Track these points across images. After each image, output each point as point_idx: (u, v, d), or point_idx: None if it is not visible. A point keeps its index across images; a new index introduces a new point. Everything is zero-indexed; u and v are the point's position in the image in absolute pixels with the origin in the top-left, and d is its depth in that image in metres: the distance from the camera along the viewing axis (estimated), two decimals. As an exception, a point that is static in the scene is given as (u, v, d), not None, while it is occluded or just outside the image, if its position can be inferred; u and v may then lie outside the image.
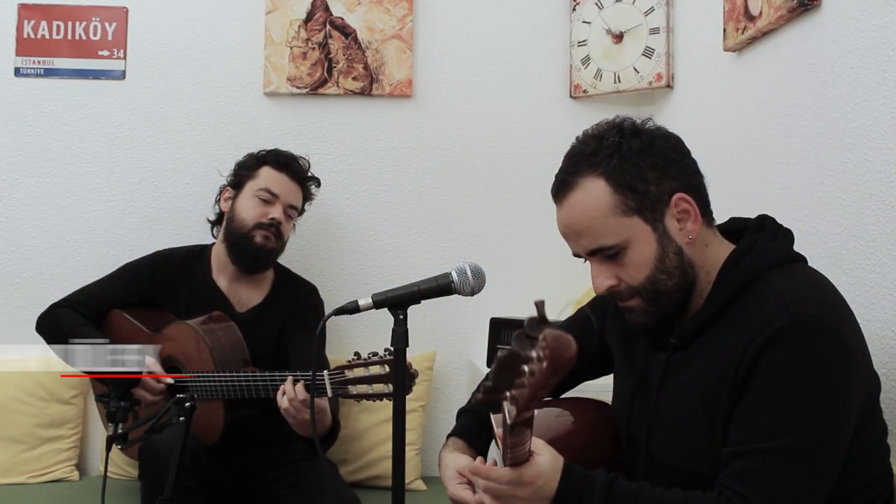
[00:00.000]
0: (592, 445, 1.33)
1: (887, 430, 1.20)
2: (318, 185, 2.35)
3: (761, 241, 1.18)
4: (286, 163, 2.22)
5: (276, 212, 2.17)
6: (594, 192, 1.16)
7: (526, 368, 0.82)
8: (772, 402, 1.05)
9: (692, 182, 1.20)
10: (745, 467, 1.05)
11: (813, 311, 1.06)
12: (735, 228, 1.27)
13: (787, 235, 1.23)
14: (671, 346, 1.21)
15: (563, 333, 0.77)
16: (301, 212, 2.32)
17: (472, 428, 1.43)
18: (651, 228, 1.16)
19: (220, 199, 2.27)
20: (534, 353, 0.80)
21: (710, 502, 1.06)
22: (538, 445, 1.08)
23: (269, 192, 2.17)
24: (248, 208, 2.17)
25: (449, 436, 1.44)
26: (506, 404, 0.92)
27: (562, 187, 1.20)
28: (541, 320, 0.79)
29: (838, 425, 1.05)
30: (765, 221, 1.24)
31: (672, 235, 1.17)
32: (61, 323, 2.11)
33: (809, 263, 1.21)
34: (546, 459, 1.07)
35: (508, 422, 0.93)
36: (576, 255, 1.24)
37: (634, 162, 1.16)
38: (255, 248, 2.15)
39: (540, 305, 0.81)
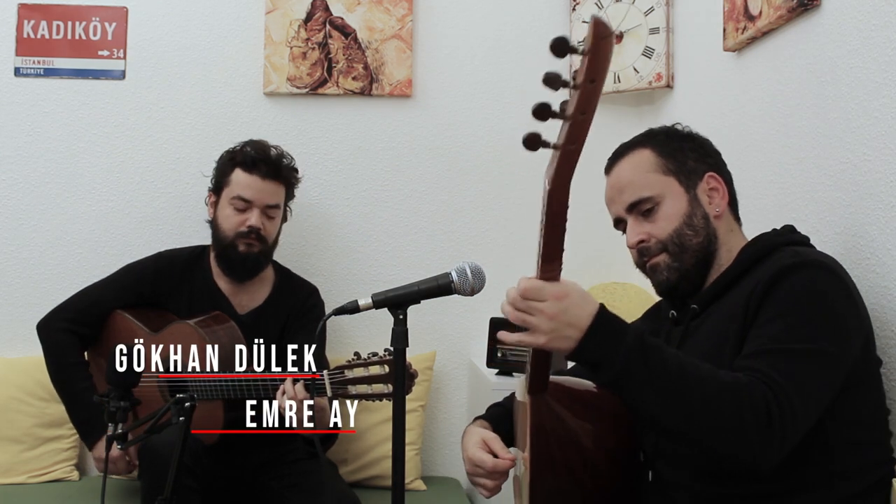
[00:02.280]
0: (613, 431, 1.31)
1: (889, 412, 1.26)
2: (296, 172, 2.28)
3: (779, 230, 1.35)
4: (254, 162, 2.14)
5: (252, 218, 2.13)
6: (640, 157, 1.36)
7: (571, 84, 0.88)
8: (779, 318, 1.14)
9: (726, 176, 1.39)
10: (757, 363, 1.11)
11: (818, 258, 1.21)
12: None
13: (803, 235, 1.36)
14: (691, 313, 1.31)
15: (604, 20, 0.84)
16: (289, 198, 2.27)
17: (500, 418, 1.50)
18: (684, 190, 1.33)
19: (208, 203, 2.26)
20: (579, 47, 0.86)
21: (730, 374, 1.10)
22: (567, 279, 1.09)
23: (241, 200, 2.13)
24: (226, 217, 2.15)
25: (477, 417, 1.52)
26: (546, 173, 0.97)
27: (614, 160, 1.40)
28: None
29: (838, 344, 1.13)
30: (784, 227, 1.38)
31: (702, 203, 1.34)
32: (55, 354, 2.15)
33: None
34: (575, 286, 1.09)
35: (547, 186, 0.97)
36: (616, 222, 1.40)
37: (678, 141, 1.37)
38: (240, 257, 2.14)
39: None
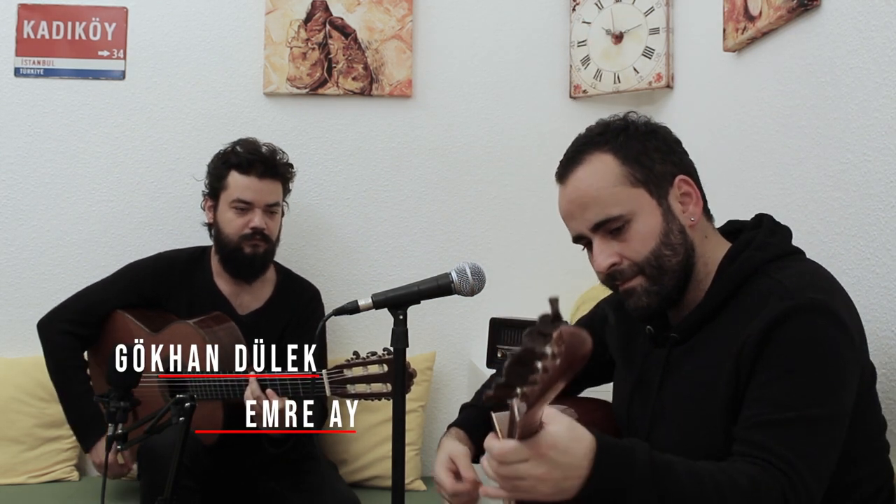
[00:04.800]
0: None
1: (886, 425, 1.21)
2: (291, 166, 2.27)
3: (760, 236, 1.20)
4: (249, 163, 2.14)
5: (256, 219, 2.13)
6: (601, 164, 1.19)
7: (539, 365, 0.79)
8: (780, 380, 1.05)
9: (692, 173, 1.24)
10: (764, 439, 1.04)
11: (813, 295, 1.08)
12: (733, 230, 1.28)
13: (784, 231, 1.24)
14: (671, 341, 1.21)
15: (578, 329, 0.75)
16: (286, 193, 2.27)
17: (474, 422, 1.43)
18: (656, 202, 1.18)
19: (204, 208, 2.25)
20: (548, 350, 0.77)
21: (739, 468, 1.02)
22: (549, 414, 0.93)
23: (242, 202, 2.13)
24: (229, 221, 2.15)
25: (451, 425, 1.45)
26: (515, 401, 0.88)
27: (568, 165, 1.22)
28: (555, 317, 0.77)
29: (843, 399, 1.06)
30: (762, 219, 1.26)
31: (676, 214, 1.19)
32: (55, 356, 2.16)
33: (809, 263, 1.22)
34: (559, 429, 0.92)
35: (517, 419, 0.89)
36: (576, 238, 1.24)
37: (641, 140, 1.20)
38: (247, 259, 2.15)
39: (554, 302, 0.78)
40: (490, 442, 0.96)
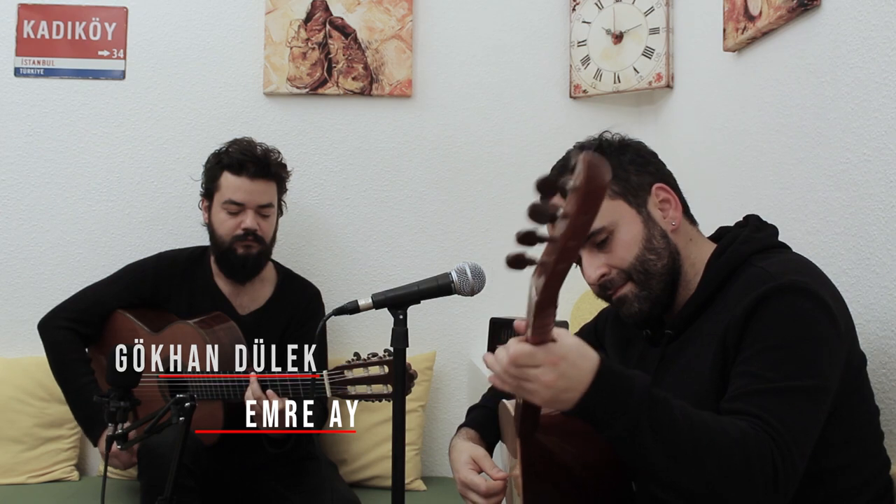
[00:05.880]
0: (598, 450, 1.32)
1: (879, 412, 1.23)
2: (285, 166, 2.25)
3: (746, 232, 1.25)
4: (241, 164, 2.13)
5: (247, 220, 2.13)
6: None
7: (559, 214, 0.80)
8: (762, 354, 1.09)
9: (670, 181, 1.29)
10: (750, 406, 1.06)
11: (795, 277, 1.12)
12: (721, 235, 1.31)
13: (771, 228, 1.28)
14: (666, 338, 1.25)
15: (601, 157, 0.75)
16: (282, 192, 2.26)
17: (484, 421, 1.46)
18: (636, 212, 1.24)
19: (201, 208, 2.25)
20: (570, 183, 0.77)
21: (733, 421, 1.04)
22: (561, 331, 0.98)
23: (233, 203, 2.13)
24: (221, 222, 2.15)
25: (461, 426, 1.47)
26: (533, 279, 0.91)
27: None
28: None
29: (824, 375, 1.09)
30: (749, 219, 1.30)
31: (656, 220, 1.25)
32: (57, 351, 2.15)
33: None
34: (570, 343, 0.98)
35: (535, 297, 0.91)
36: None
37: (615, 155, 1.26)
38: (240, 260, 2.14)
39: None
40: (510, 343, 1.00)
